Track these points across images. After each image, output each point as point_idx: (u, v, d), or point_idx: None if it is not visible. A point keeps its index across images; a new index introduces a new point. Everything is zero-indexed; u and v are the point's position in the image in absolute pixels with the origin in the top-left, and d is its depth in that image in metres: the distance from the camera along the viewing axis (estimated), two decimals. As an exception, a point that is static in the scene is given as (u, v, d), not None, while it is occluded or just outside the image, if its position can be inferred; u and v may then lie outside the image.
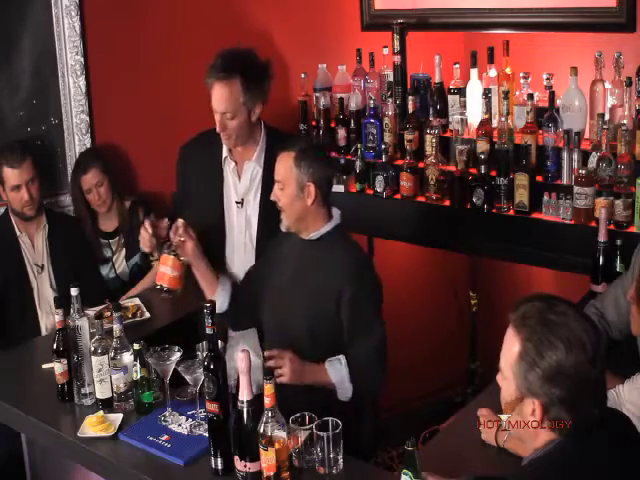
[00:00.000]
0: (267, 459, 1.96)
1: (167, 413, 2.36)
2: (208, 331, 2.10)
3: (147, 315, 3.14)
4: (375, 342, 2.52)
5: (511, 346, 1.64)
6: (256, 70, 2.76)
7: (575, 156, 3.11)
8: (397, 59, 3.70)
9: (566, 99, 3.20)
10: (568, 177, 3.15)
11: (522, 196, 3.20)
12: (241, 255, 2.86)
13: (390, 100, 3.68)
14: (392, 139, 3.63)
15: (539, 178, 3.23)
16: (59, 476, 2.73)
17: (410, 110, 3.57)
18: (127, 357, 2.38)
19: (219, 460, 2.11)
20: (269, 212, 2.71)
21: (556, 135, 3.19)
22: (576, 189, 3.04)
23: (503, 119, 3.28)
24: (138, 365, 2.36)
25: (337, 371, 2.46)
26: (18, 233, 3.41)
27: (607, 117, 3.09)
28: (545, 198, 3.16)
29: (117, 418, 2.37)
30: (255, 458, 2.00)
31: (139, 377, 2.37)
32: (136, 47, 3.67)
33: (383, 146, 3.62)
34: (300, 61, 4.03)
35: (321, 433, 2.04)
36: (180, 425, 2.32)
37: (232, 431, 2.04)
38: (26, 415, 2.48)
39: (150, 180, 3.82)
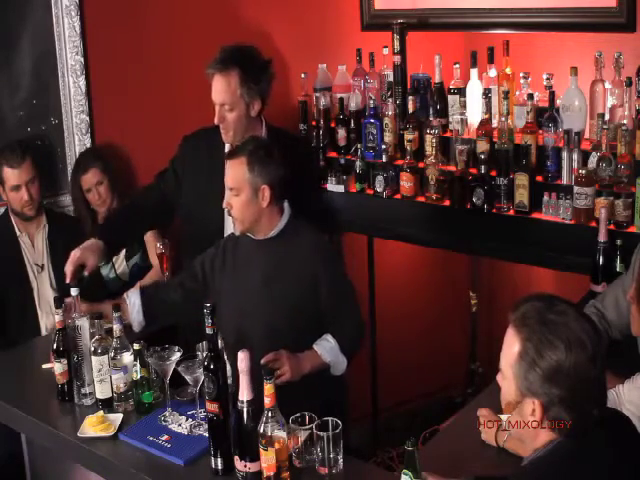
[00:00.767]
0: (267, 459, 1.96)
1: (167, 413, 2.36)
2: (208, 331, 2.10)
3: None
4: (352, 303, 2.64)
5: (511, 346, 1.64)
6: (255, 65, 2.79)
7: (575, 156, 3.11)
8: (397, 59, 3.70)
9: (566, 99, 3.20)
10: (568, 177, 3.15)
11: (522, 196, 3.20)
12: None
13: (390, 100, 3.68)
14: (392, 139, 3.63)
15: (539, 178, 3.23)
16: (59, 476, 2.73)
17: (410, 110, 3.57)
18: (127, 357, 2.38)
19: (219, 460, 2.11)
20: None
21: (556, 135, 3.19)
22: (576, 189, 3.04)
23: (503, 119, 3.28)
24: (138, 365, 2.36)
25: (329, 350, 2.52)
26: (18, 233, 3.41)
27: (607, 117, 3.09)
28: (545, 198, 3.16)
29: (117, 418, 2.37)
30: (255, 458, 2.00)
31: (139, 377, 2.37)
32: (136, 47, 3.67)
33: (383, 146, 3.62)
34: (300, 61, 4.03)
35: (321, 433, 2.04)
36: (180, 425, 2.32)
37: (232, 431, 2.05)
38: (26, 415, 2.48)
39: (150, 180, 3.80)
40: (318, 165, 3.74)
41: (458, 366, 4.36)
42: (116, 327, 2.38)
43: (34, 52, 3.47)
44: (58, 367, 2.48)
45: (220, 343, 2.14)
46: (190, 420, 2.33)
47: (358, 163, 3.67)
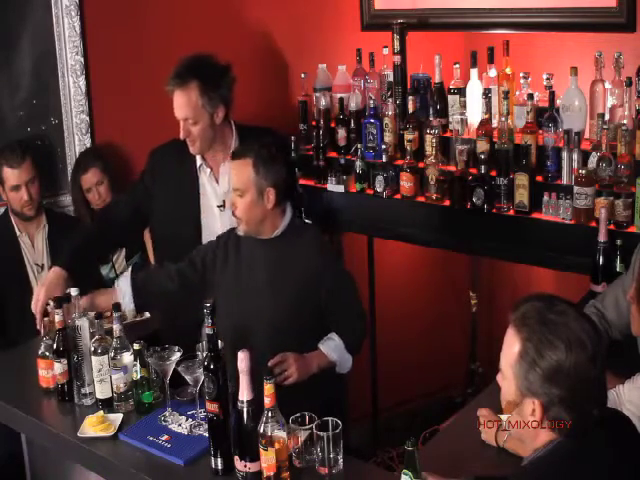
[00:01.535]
0: (267, 459, 1.96)
1: (167, 413, 2.36)
2: (208, 331, 2.10)
3: (147, 315, 3.14)
4: (354, 299, 2.65)
5: (511, 346, 1.64)
6: (213, 73, 2.78)
7: (575, 156, 3.11)
8: (397, 59, 3.70)
9: (566, 99, 3.20)
10: (568, 177, 3.15)
11: (522, 196, 3.20)
12: None
13: (390, 100, 3.68)
14: (392, 139, 3.63)
15: (539, 178, 3.23)
16: (59, 476, 2.73)
17: (410, 110, 3.57)
18: (127, 357, 2.38)
19: (219, 460, 2.11)
20: None
21: (556, 135, 3.19)
22: (576, 189, 3.04)
23: (503, 119, 3.28)
24: (138, 365, 2.36)
25: (334, 348, 2.54)
26: (18, 233, 3.41)
27: (607, 117, 3.08)
28: (545, 198, 3.16)
29: (117, 418, 2.37)
30: (255, 458, 2.00)
31: (139, 377, 2.37)
32: (136, 47, 3.67)
33: (383, 146, 3.62)
34: (300, 61, 4.03)
35: (321, 433, 2.04)
36: (180, 425, 2.32)
37: (232, 431, 2.04)
38: (26, 415, 2.49)
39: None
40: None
41: (458, 366, 4.36)
42: (116, 327, 2.38)
43: (34, 52, 3.48)
44: (58, 367, 2.48)
45: (220, 343, 2.14)
46: (190, 420, 2.33)
47: (358, 163, 3.66)
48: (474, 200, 3.32)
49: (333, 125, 3.85)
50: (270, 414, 1.96)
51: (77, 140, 3.62)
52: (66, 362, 2.47)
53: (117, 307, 2.41)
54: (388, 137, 3.63)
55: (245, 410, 1.98)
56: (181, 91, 2.74)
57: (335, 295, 2.57)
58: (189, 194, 2.81)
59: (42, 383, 2.55)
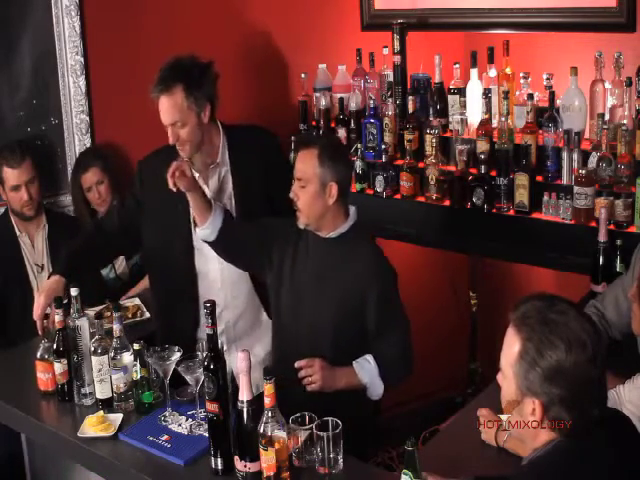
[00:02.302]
0: (267, 459, 1.96)
1: (167, 413, 2.36)
2: (208, 331, 2.10)
3: (147, 315, 3.15)
4: (403, 334, 2.54)
5: (511, 345, 1.64)
6: (196, 73, 2.75)
7: (575, 156, 3.11)
8: (397, 59, 3.70)
9: (566, 99, 3.20)
10: (568, 177, 3.15)
11: (522, 196, 3.20)
12: (215, 264, 2.83)
13: (390, 100, 3.68)
14: (392, 139, 3.63)
15: (539, 178, 3.23)
16: (59, 476, 2.74)
17: (410, 110, 3.57)
18: (127, 357, 2.38)
19: (219, 460, 2.11)
20: (246, 206, 2.78)
21: (556, 135, 3.19)
22: (576, 189, 3.04)
23: (503, 119, 3.28)
24: (138, 365, 2.36)
25: (367, 371, 2.48)
26: (18, 233, 3.41)
27: (607, 117, 3.09)
28: (545, 198, 3.16)
29: (117, 418, 2.37)
30: (255, 458, 2.00)
31: (139, 377, 2.37)
32: (136, 47, 3.66)
33: (383, 146, 3.62)
34: (300, 61, 4.03)
35: (321, 433, 2.04)
36: (180, 425, 2.32)
37: (232, 431, 2.04)
38: (26, 415, 2.49)
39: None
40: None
41: (458, 366, 4.36)
42: (116, 327, 2.38)
43: (34, 52, 3.48)
44: (58, 367, 2.48)
45: (220, 343, 2.14)
46: (190, 420, 2.33)
47: (358, 163, 3.66)
48: (474, 200, 3.32)
49: (333, 125, 3.85)
50: (270, 414, 1.96)
51: (77, 140, 3.62)
52: (66, 362, 2.47)
53: (117, 307, 2.41)
54: (388, 137, 3.63)
55: (245, 410, 1.98)
56: (166, 96, 2.72)
57: (378, 318, 2.49)
58: (179, 201, 2.78)
59: (40, 386, 2.55)
